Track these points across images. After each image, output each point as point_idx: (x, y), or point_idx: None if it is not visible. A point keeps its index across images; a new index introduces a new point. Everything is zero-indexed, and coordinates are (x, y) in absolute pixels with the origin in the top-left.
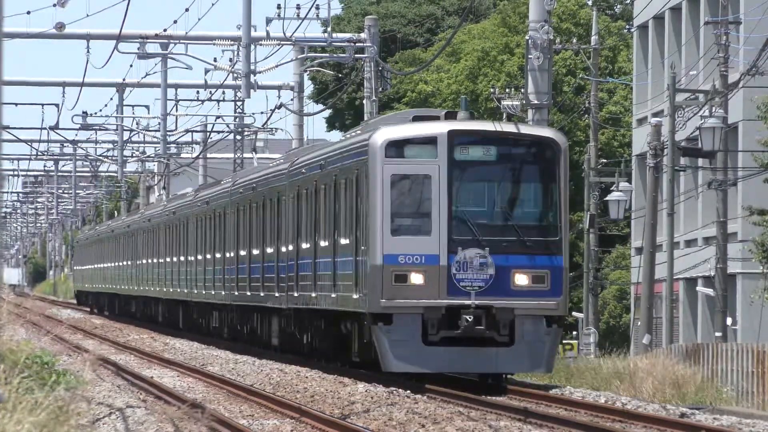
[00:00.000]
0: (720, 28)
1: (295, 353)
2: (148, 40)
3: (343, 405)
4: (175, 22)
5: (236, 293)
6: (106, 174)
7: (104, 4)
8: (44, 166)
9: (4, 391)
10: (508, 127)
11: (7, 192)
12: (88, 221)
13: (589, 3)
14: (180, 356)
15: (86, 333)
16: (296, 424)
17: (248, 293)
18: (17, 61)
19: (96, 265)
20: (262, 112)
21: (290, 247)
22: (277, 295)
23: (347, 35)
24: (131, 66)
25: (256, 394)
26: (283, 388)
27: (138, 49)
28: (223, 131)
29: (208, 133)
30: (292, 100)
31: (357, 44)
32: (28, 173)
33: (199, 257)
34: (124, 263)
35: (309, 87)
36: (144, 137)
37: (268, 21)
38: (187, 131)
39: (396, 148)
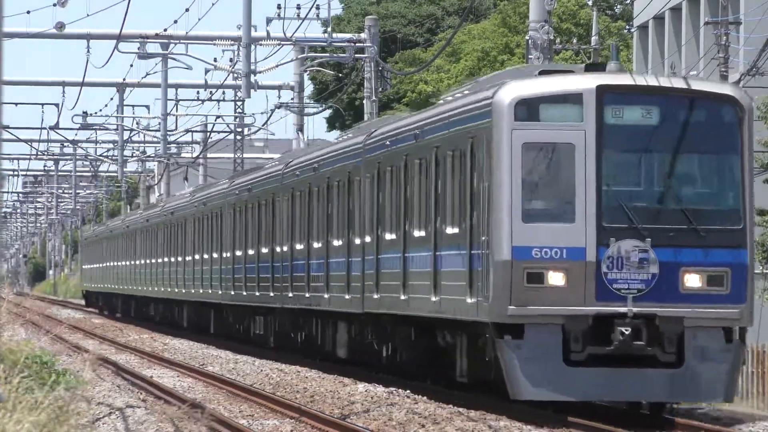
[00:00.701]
0: (720, 28)
1: (370, 368)
2: (149, 40)
3: (343, 405)
4: (176, 22)
5: (289, 294)
6: (106, 174)
7: (104, 4)
8: (44, 166)
9: (4, 390)
10: (676, 82)
11: (7, 192)
12: (88, 221)
13: (589, 3)
14: (180, 356)
15: (86, 333)
16: (296, 424)
17: (306, 295)
18: (17, 60)
19: (108, 264)
20: (262, 112)
21: (366, 239)
22: (347, 297)
23: (347, 35)
24: (131, 66)
25: (256, 394)
26: (283, 388)
27: (138, 49)
28: (223, 131)
29: (208, 133)
30: (292, 99)
31: (357, 44)
32: (28, 173)
33: (237, 253)
34: (142, 261)
35: (309, 87)
36: (144, 137)
37: (269, 21)
38: (187, 131)
39: (529, 108)
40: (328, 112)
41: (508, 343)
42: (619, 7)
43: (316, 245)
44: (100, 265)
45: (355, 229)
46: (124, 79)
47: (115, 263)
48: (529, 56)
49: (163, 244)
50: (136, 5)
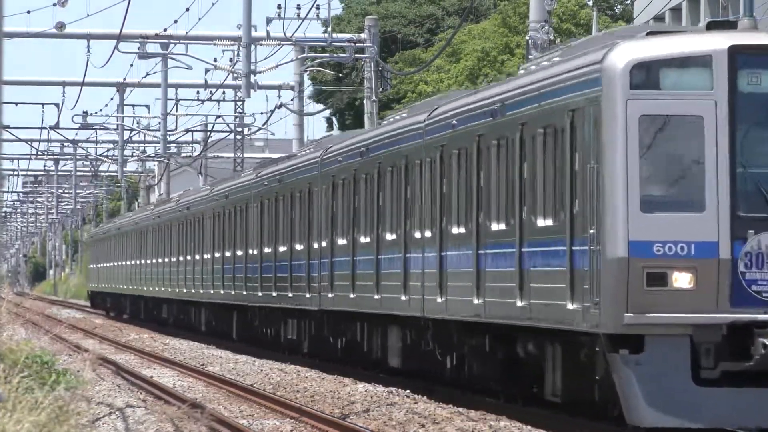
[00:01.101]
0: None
1: (431, 380)
2: (149, 40)
3: (343, 405)
4: (176, 21)
5: (329, 295)
6: (107, 174)
7: (104, 4)
8: (44, 166)
9: (3, 390)
10: None
11: (7, 192)
12: (89, 221)
13: (590, 3)
14: (180, 356)
15: (86, 332)
16: (296, 424)
17: (351, 295)
18: (17, 60)
19: (116, 263)
20: (262, 113)
21: (426, 233)
22: (403, 298)
23: (347, 35)
24: (131, 66)
25: (256, 394)
26: (283, 388)
27: (138, 48)
28: (223, 131)
29: (208, 133)
30: (292, 100)
31: (357, 44)
32: (28, 173)
33: (266, 250)
34: (154, 261)
35: (309, 87)
36: (144, 137)
37: (269, 21)
38: (187, 131)
39: (648, 74)
40: (328, 112)
41: (625, 359)
42: (619, 7)
43: (363, 240)
44: (107, 264)
45: (414, 222)
46: (124, 79)
47: (124, 262)
48: (529, 56)
49: (178, 241)
50: (136, 5)
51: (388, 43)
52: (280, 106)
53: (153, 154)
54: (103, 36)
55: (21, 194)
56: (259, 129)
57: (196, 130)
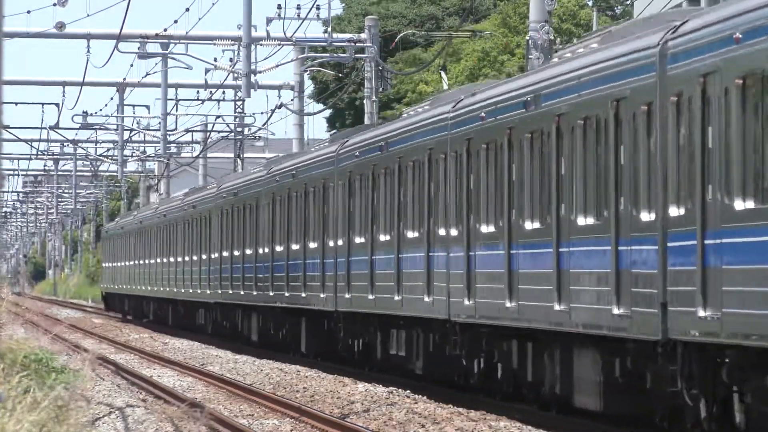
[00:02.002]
0: None
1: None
2: (149, 40)
3: (343, 405)
4: (176, 21)
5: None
6: (107, 174)
7: (104, 4)
8: (44, 166)
9: (3, 390)
10: None
11: (7, 191)
12: (89, 221)
13: (590, 3)
14: (179, 356)
15: (85, 332)
16: (296, 423)
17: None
18: (17, 60)
19: (136, 262)
20: (262, 112)
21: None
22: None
23: (348, 35)
24: (131, 66)
25: (256, 394)
26: (282, 387)
27: (138, 48)
28: (223, 131)
29: (208, 133)
30: (292, 100)
31: (357, 44)
32: (28, 173)
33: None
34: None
35: (309, 87)
36: (144, 137)
37: (269, 21)
38: (187, 131)
39: None
40: (328, 112)
41: None
42: (619, 7)
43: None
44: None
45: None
46: (124, 79)
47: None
48: (530, 56)
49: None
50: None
51: (388, 43)
52: (280, 106)
53: (153, 154)
54: (103, 36)
55: (21, 194)
56: (259, 129)
57: (196, 130)
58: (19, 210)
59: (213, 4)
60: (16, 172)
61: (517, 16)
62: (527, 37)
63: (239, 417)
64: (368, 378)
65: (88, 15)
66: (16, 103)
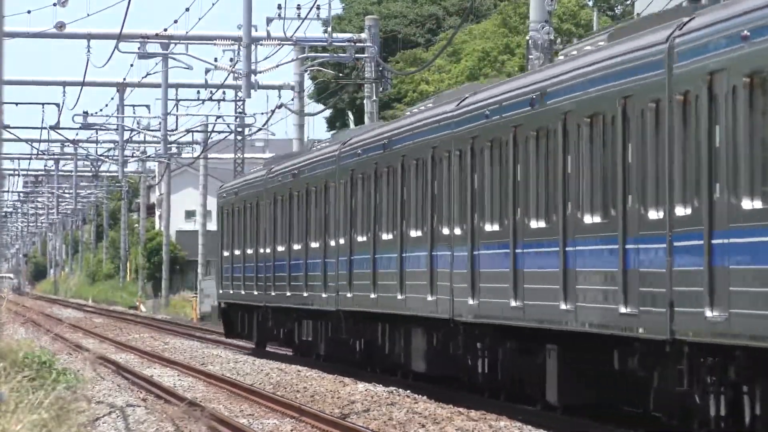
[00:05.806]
0: None
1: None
2: (149, 40)
3: (343, 405)
4: (176, 21)
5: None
6: (107, 174)
7: (105, 4)
8: (45, 166)
9: (4, 390)
10: None
11: (8, 191)
12: (89, 221)
13: (590, 3)
14: (180, 356)
15: (86, 332)
16: (296, 423)
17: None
18: (18, 60)
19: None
20: (262, 113)
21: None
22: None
23: (348, 35)
24: (132, 66)
25: (256, 394)
26: (283, 387)
27: (138, 48)
28: (223, 131)
29: (208, 133)
30: (292, 100)
31: (357, 44)
32: (29, 173)
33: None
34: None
35: (309, 87)
36: (144, 137)
37: (269, 21)
38: (187, 131)
39: None
40: (328, 112)
41: None
42: (619, 7)
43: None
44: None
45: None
46: (124, 79)
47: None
48: (530, 56)
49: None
50: (136, 5)
51: (389, 43)
52: (281, 106)
53: (153, 155)
54: (103, 36)
55: (21, 194)
56: (260, 129)
57: (197, 131)
58: (19, 210)
59: (213, 4)
60: (16, 172)
61: (517, 16)
62: (528, 37)
63: (239, 417)
64: (368, 378)
65: (88, 15)
66: (17, 103)
